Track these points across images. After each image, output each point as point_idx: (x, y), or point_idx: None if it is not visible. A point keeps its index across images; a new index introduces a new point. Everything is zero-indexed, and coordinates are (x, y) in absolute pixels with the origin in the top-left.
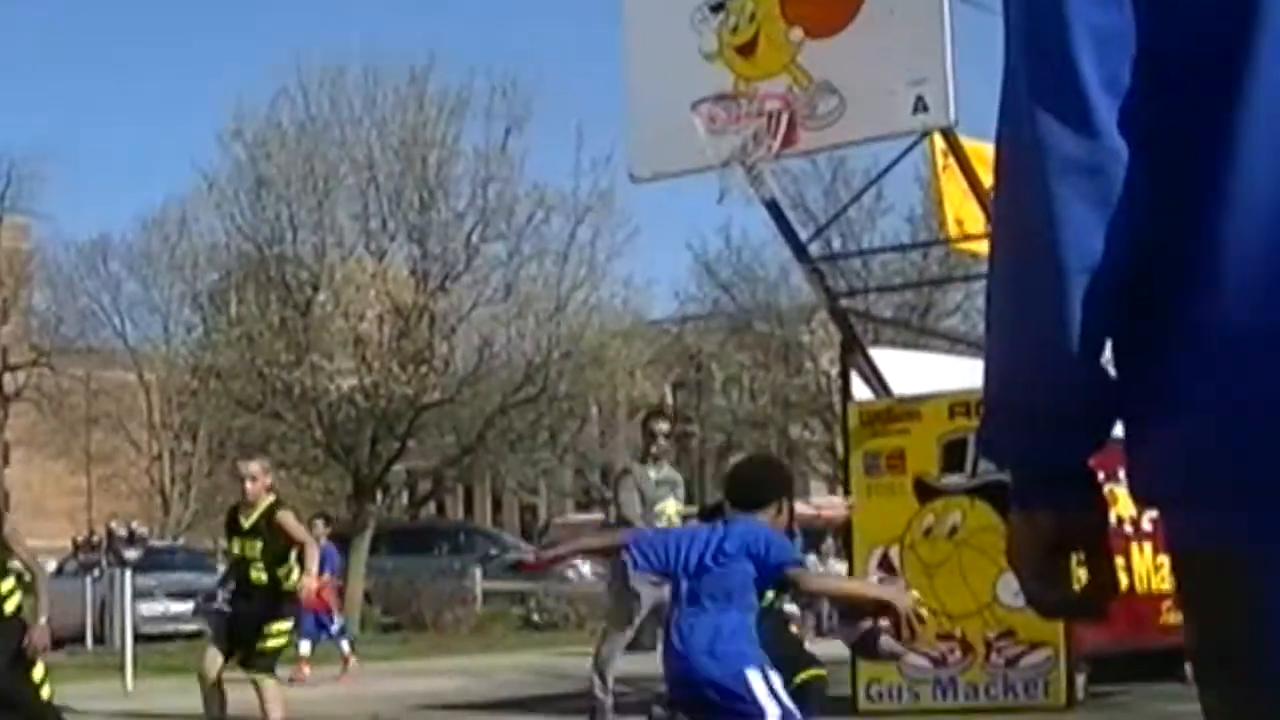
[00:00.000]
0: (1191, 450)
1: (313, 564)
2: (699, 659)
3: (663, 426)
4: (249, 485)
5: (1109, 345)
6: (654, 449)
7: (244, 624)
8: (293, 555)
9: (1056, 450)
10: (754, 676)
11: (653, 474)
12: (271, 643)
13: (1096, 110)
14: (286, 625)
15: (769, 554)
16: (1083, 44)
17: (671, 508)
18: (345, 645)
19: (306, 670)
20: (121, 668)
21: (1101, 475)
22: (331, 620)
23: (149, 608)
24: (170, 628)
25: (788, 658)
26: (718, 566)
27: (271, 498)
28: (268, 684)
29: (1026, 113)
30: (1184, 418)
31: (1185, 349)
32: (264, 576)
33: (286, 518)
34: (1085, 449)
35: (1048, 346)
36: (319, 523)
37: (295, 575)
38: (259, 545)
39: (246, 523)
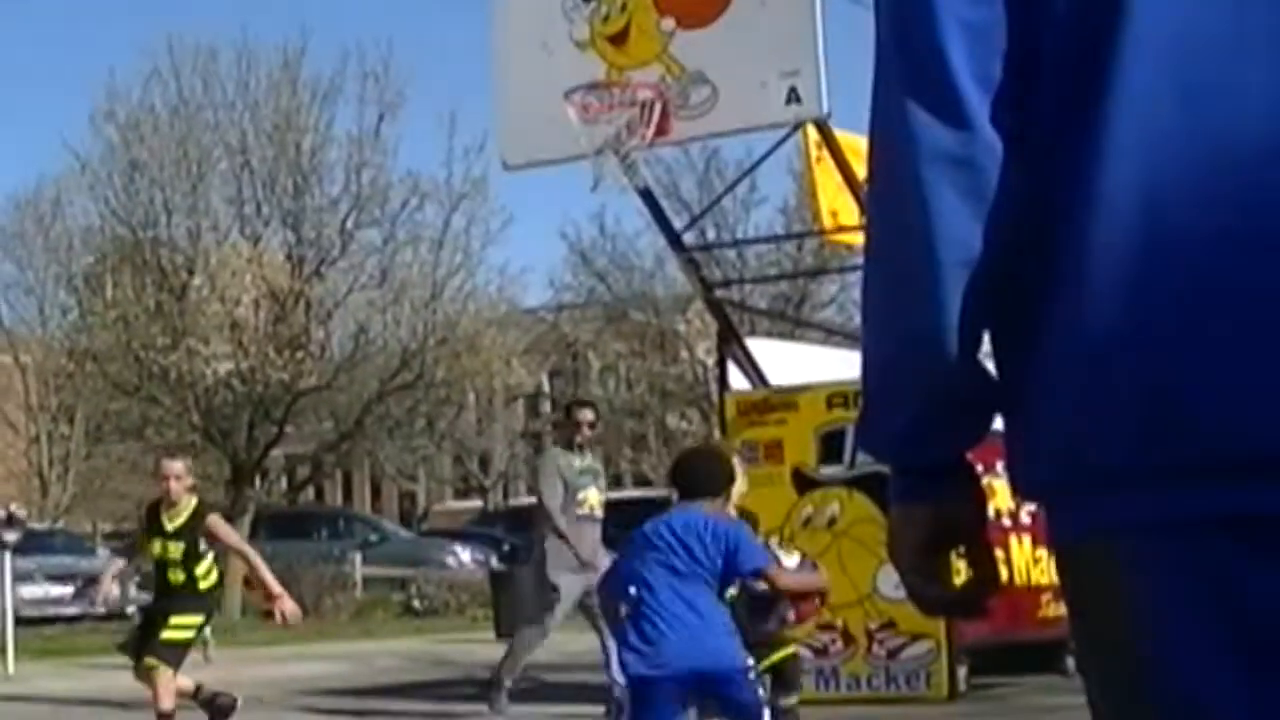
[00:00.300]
0: (1064, 443)
1: (265, 574)
2: (689, 645)
3: (588, 415)
4: (173, 484)
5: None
6: (579, 438)
7: (153, 618)
8: (210, 553)
9: (934, 445)
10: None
11: (576, 462)
12: (173, 634)
13: (968, 103)
14: (194, 620)
15: (740, 556)
16: (952, 37)
17: (594, 496)
18: (206, 631)
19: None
20: (1, 650)
21: (980, 468)
22: None
23: (29, 591)
24: (50, 611)
25: (761, 637)
26: (707, 558)
27: (195, 499)
28: (163, 673)
29: (897, 105)
30: (1056, 411)
31: (1056, 343)
32: (181, 576)
33: (219, 524)
34: (963, 443)
35: (923, 340)
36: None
37: (214, 574)
38: (182, 547)
39: (171, 525)
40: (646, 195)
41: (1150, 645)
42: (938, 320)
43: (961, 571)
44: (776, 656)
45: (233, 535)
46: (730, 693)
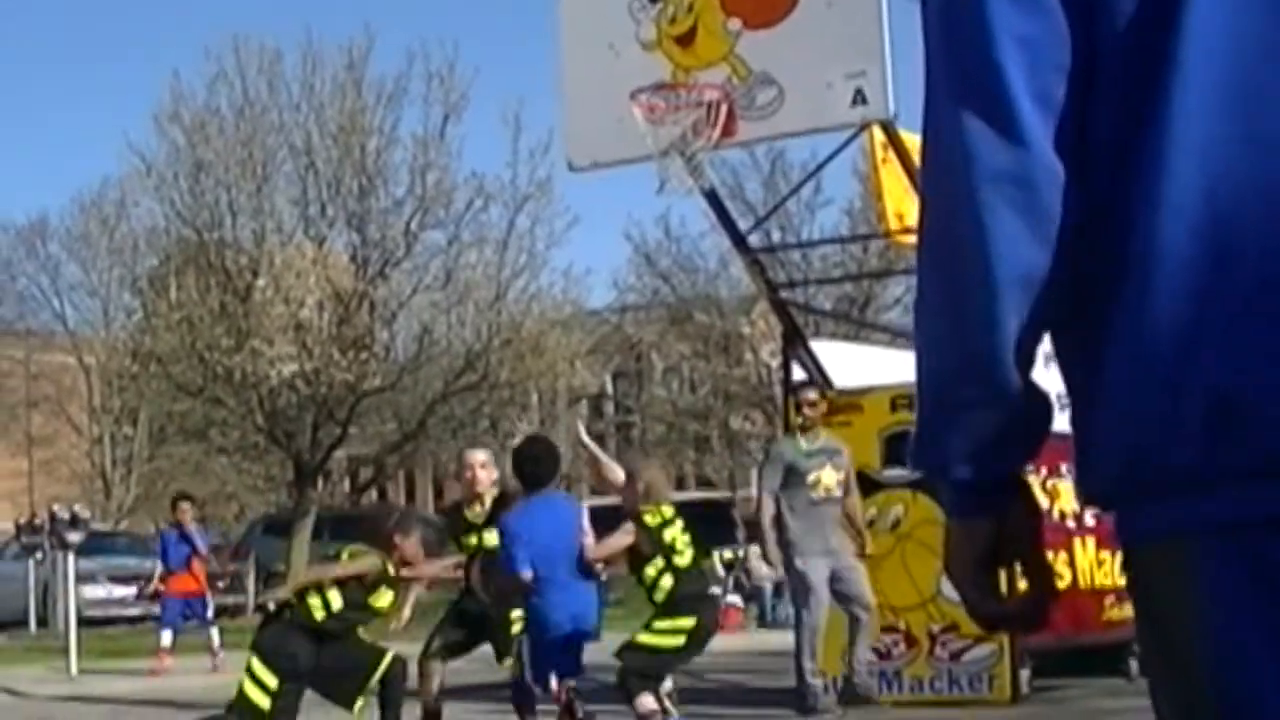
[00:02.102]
0: (1132, 445)
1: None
2: (587, 630)
3: (808, 395)
4: (479, 473)
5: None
6: (802, 419)
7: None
8: None
9: (993, 461)
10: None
11: (804, 445)
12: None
13: (1024, 118)
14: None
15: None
16: (1007, 52)
17: (827, 477)
18: (215, 635)
19: (168, 662)
20: (65, 651)
21: (1045, 471)
22: (205, 606)
23: (91, 591)
24: (113, 612)
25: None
26: (574, 544)
27: (496, 489)
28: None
29: (951, 121)
30: (1123, 414)
31: (1123, 349)
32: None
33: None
34: (1020, 459)
35: (981, 359)
36: (185, 505)
37: None
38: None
39: (477, 518)
40: (711, 197)
41: (1214, 646)
42: (995, 339)
43: (1019, 586)
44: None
45: None
46: None
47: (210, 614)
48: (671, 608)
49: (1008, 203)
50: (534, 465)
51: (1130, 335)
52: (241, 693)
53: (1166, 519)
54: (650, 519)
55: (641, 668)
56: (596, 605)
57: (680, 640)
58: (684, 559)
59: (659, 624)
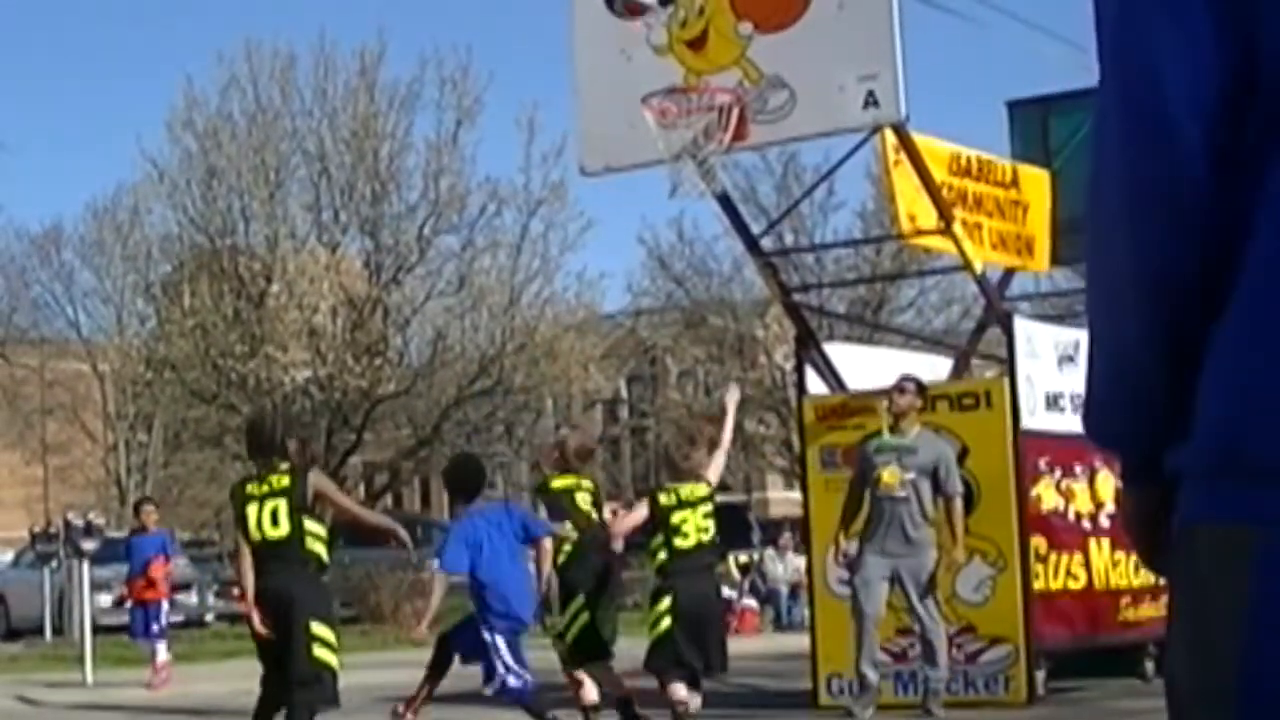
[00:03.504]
0: (1230, 431)
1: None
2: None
3: (899, 383)
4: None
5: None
6: (891, 413)
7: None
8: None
9: (1150, 439)
10: None
11: (883, 439)
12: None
13: (1176, 130)
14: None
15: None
16: (1166, 65)
17: (887, 475)
18: (162, 650)
19: (165, 674)
20: (81, 659)
21: (1059, 472)
22: (160, 615)
23: (106, 599)
24: (128, 619)
25: None
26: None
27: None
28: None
29: (1112, 129)
30: (1227, 399)
31: (1233, 339)
32: None
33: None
34: (1169, 439)
35: (1132, 358)
36: (149, 508)
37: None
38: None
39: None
40: (724, 200)
41: (1256, 639)
42: (1141, 332)
43: None
44: None
45: None
46: None
47: (161, 625)
48: (657, 587)
49: (1157, 213)
50: (459, 482)
51: (1244, 330)
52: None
53: (1248, 506)
54: (664, 499)
55: (661, 663)
56: (531, 601)
57: (668, 621)
58: (686, 541)
59: (650, 618)
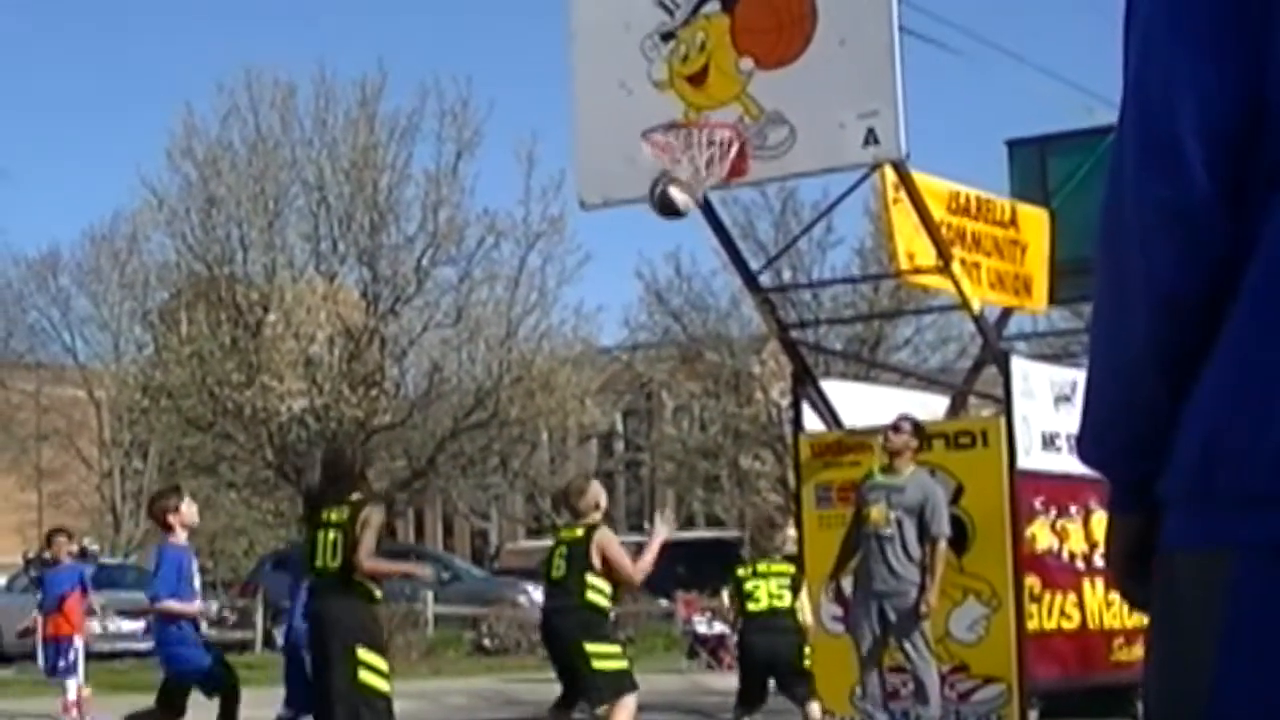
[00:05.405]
0: (1216, 455)
1: None
2: None
3: (894, 422)
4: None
5: None
6: (886, 450)
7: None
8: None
9: (1145, 461)
10: None
11: (874, 478)
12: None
13: (1189, 158)
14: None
15: None
16: (1182, 95)
17: (875, 513)
18: (73, 686)
19: (85, 708)
20: None
21: (1054, 511)
22: (69, 651)
23: (99, 625)
24: (121, 645)
25: None
26: None
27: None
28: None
29: (1129, 156)
30: (1215, 426)
31: (1226, 368)
32: None
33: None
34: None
35: (1133, 368)
36: (61, 538)
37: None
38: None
39: None
40: (722, 233)
41: (1233, 660)
42: (1147, 352)
43: None
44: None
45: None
46: None
47: (69, 661)
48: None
49: (1167, 232)
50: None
51: (1234, 358)
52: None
53: (1229, 531)
54: (741, 571)
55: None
56: None
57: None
58: (758, 605)
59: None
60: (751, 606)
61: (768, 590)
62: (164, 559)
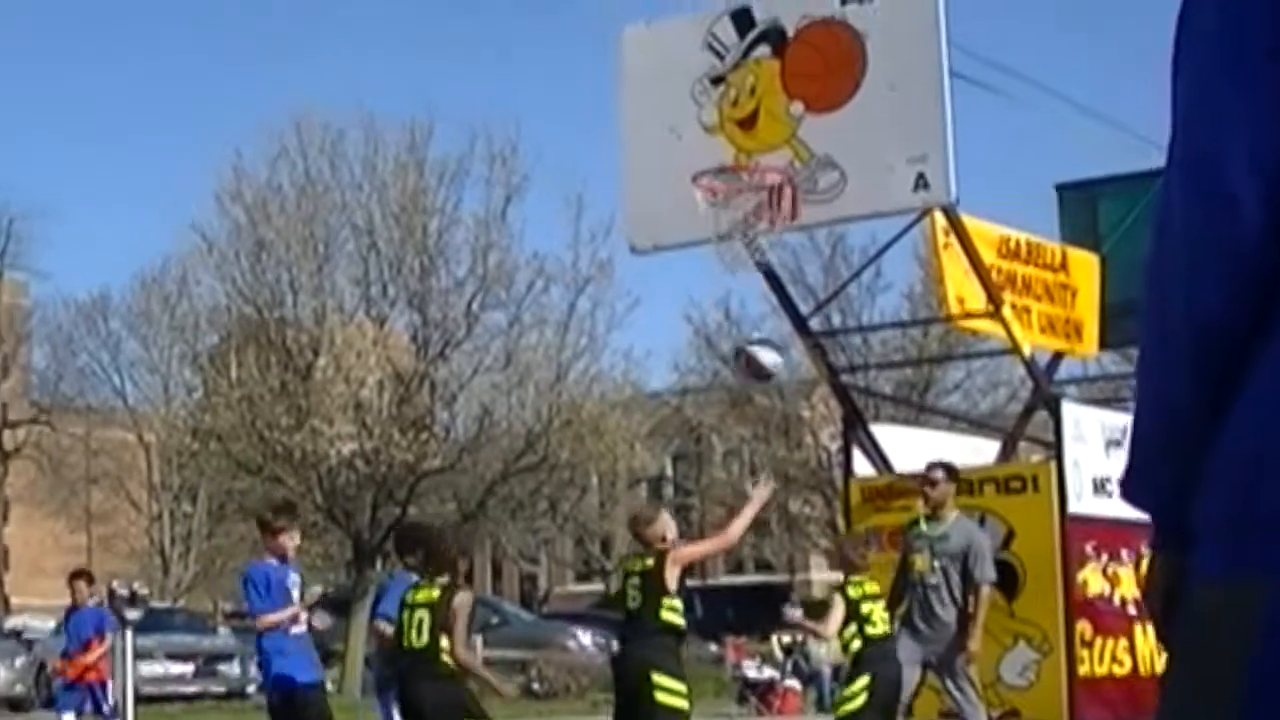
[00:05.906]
0: (1250, 485)
1: None
2: None
3: (929, 474)
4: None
5: None
6: (925, 501)
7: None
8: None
9: (1184, 499)
10: None
11: (920, 527)
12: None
13: (1237, 192)
14: None
15: None
16: (1231, 130)
17: (920, 561)
18: None
19: None
20: None
21: (1105, 557)
22: (106, 695)
23: (149, 669)
24: (170, 689)
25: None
26: None
27: None
28: None
29: (1177, 189)
30: (1249, 455)
31: (1261, 393)
32: None
33: None
34: None
35: (1179, 409)
36: (79, 583)
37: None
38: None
39: None
40: (771, 277)
41: (1263, 692)
42: (1193, 388)
43: None
44: None
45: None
46: None
47: (111, 705)
48: (854, 667)
49: (1218, 267)
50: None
51: (1276, 378)
52: None
53: (1252, 558)
54: (853, 591)
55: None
56: None
57: (863, 698)
58: (876, 629)
59: (844, 692)
60: (871, 631)
61: (880, 614)
62: (249, 579)
